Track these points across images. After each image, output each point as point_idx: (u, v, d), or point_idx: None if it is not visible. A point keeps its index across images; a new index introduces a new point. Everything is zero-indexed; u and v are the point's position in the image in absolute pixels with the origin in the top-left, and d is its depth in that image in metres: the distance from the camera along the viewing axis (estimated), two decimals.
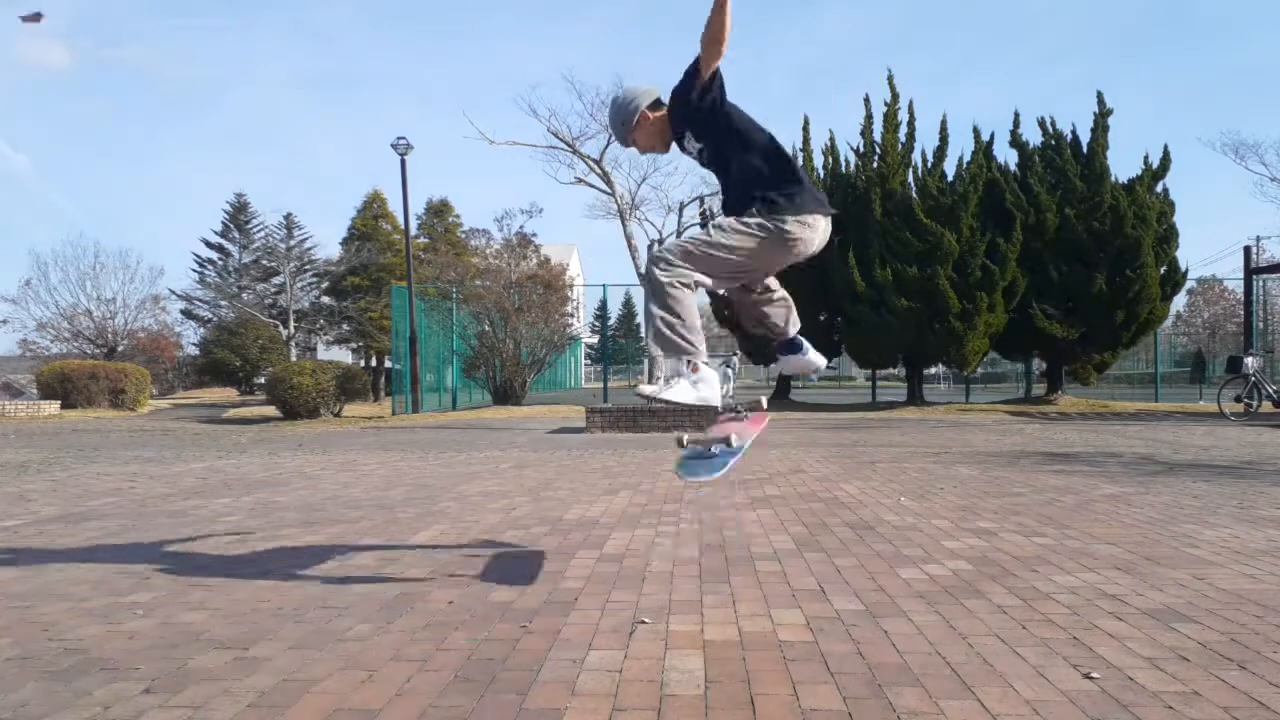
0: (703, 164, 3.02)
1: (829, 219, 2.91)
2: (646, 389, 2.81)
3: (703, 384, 2.76)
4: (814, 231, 2.84)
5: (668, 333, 2.75)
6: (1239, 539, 3.57)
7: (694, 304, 2.81)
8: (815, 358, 3.30)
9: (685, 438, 3.07)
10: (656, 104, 2.97)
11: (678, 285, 2.75)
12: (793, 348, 3.30)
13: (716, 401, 2.83)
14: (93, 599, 2.75)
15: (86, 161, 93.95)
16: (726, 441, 2.91)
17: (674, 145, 3.05)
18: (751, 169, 2.83)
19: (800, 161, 2.74)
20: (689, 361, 2.76)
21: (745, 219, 2.79)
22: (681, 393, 2.73)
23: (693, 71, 2.77)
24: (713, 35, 2.66)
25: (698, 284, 2.78)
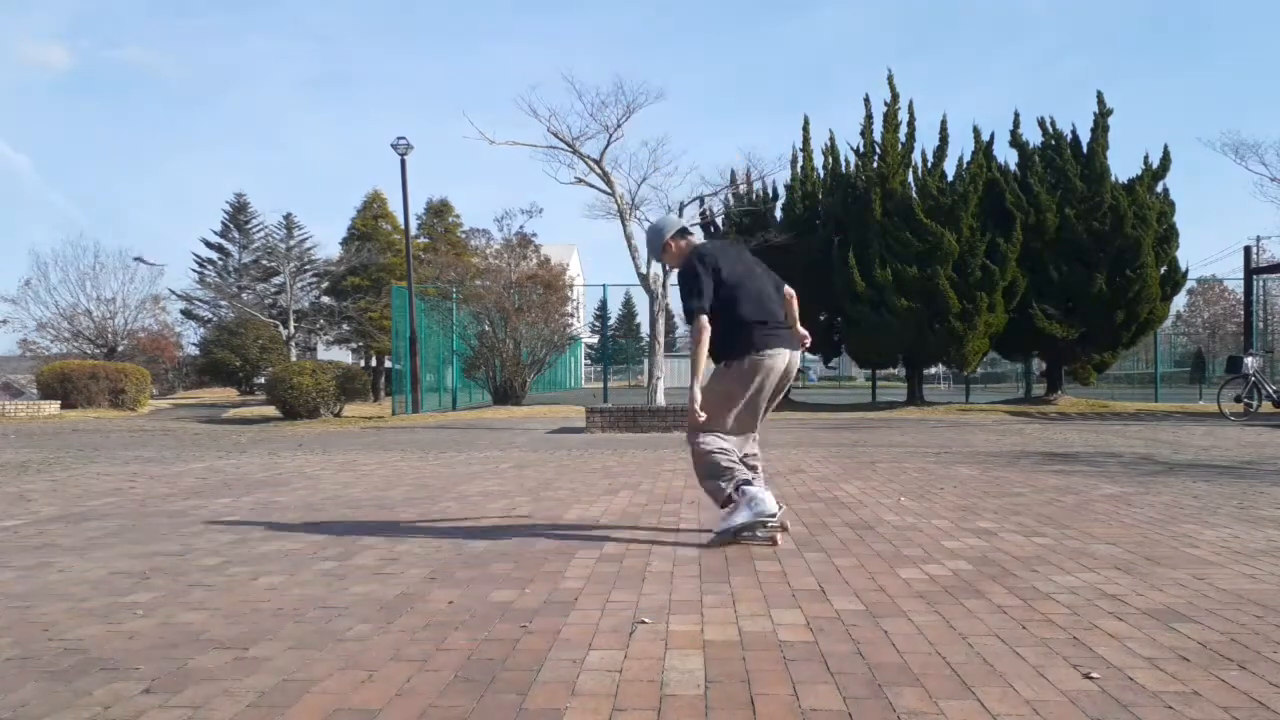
0: None
1: (789, 350, 3.58)
2: (718, 529, 3.55)
3: (755, 501, 3.44)
4: (774, 359, 3.52)
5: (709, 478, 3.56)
6: (1239, 539, 3.57)
7: (725, 445, 3.56)
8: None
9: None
10: (681, 231, 3.85)
11: (711, 446, 3.54)
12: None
13: (773, 509, 3.46)
14: (93, 599, 2.75)
15: (86, 161, 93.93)
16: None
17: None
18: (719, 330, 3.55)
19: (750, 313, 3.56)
20: (738, 489, 3.46)
21: (720, 369, 3.58)
22: (741, 516, 3.45)
23: (688, 312, 3.53)
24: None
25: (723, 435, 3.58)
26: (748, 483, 3.47)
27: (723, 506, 3.53)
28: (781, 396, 3.70)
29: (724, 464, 3.49)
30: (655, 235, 3.87)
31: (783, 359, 3.54)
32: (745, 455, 3.67)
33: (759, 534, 3.51)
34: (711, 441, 3.54)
